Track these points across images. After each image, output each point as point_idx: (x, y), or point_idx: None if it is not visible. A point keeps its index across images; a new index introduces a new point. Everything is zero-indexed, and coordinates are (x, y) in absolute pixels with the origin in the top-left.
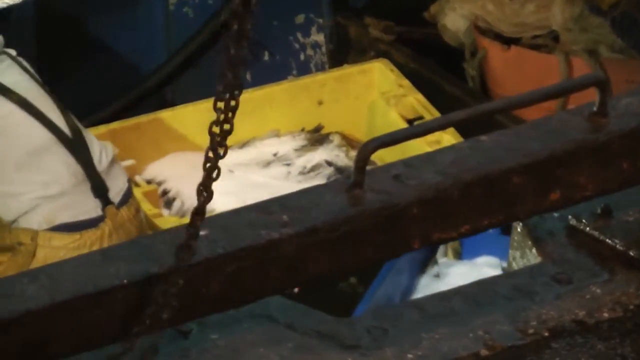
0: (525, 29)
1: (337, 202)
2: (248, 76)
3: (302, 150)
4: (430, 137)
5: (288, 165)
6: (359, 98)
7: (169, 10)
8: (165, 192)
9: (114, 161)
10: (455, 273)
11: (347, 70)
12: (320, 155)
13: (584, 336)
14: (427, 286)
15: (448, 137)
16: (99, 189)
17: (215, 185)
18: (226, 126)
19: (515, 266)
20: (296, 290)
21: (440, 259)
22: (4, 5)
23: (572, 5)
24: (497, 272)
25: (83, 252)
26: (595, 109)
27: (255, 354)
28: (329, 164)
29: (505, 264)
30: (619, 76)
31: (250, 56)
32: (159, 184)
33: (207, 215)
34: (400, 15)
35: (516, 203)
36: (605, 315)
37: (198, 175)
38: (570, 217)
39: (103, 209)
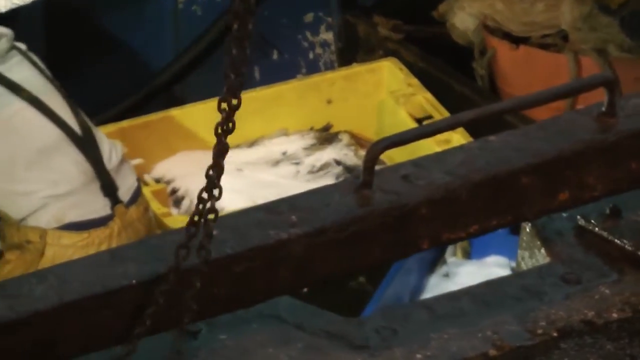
0: (534, 28)
1: (345, 202)
2: (257, 74)
3: (310, 149)
4: (440, 137)
5: (297, 164)
6: (367, 97)
7: (177, 9)
8: (174, 191)
9: (123, 160)
10: (464, 273)
11: (356, 69)
12: (329, 154)
13: (593, 336)
14: (436, 286)
15: (457, 137)
16: (108, 188)
17: (223, 184)
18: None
19: (524, 266)
20: (305, 290)
21: (449, 258)
22: (13, 6)
23: (581, 4)
24: (506, 272)
25: (92, 250)
26: (603, 109)
27: (264, 354)
28: (338, 163)
29: (514, 264)
30: (628, 75)
31: (260, 54)
32: (168, 182)
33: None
34: (409, 14)
35: (525, 203)
36: (614, 315)
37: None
38: (578, 217)
39: (112, 208)
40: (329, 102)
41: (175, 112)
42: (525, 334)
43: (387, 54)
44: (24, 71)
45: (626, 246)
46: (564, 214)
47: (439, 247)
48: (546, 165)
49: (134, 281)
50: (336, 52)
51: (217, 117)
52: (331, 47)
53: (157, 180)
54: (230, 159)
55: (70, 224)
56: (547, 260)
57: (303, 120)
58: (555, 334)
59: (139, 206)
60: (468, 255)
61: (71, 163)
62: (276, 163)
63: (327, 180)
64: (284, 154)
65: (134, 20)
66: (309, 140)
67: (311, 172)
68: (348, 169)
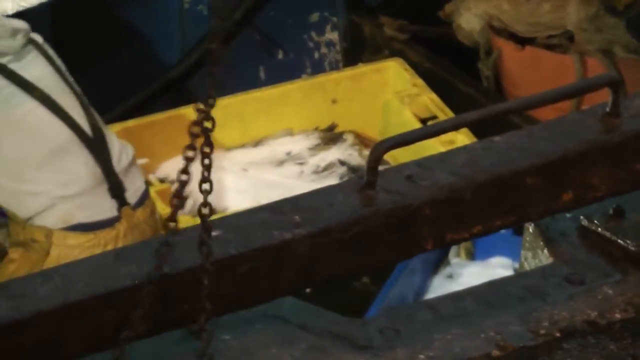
0: (540, 28)
1: (349, 202)
2: (262, 74)
3: (315, 149)
4: (444, 137)
5: (301, 164)
6: (373, 97)
7: (183, 8)
8: None
9: (133, 162)
10: (467, 273)
11: (361, 69)
12: (333, 154)
13: (596, 337)
14: (440, 286)
15: (462, 137)
16: (116, 190)
17: (228, 184)
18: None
19: (527, 267)
20: (308, 290)
21: (453, 259)
22: (20, 9)
23: (587, 5)
24: (509, 272)
25: (97, 251)
26: (608, 109)
27: (267, 355)
28: (342, 163)
29: (517, 265)
30: (633, 76)
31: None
32: (172, 182)
33: (220, 214)
34: (414, 14)
35: (528, 204)
36: (617, 315)
37: (212, 174)
38: (582, 217)
39: (119, 210)
40: (334, 102)
41: (181, 112)
42: (528, 335)
43: (393, 54)
44: (38, 68)
45: (629, 246)
46: (568, 215)
47: (443, 247)
48: (550, 165)
49: (137, 282)
50: (341, 52)
51: (223, 117)
52: (336, 47)
53: (162, 180)
54: (235, 159)
55: (77, 225)
56: (550, 260)
57: (308, 120)
58: (558, 335)
59: (146, 208)
60: (472, 256)
61: (81, 165)
62: (281, 163)
63: (332, 180)
64: (289, 154)
65: (141, 20)
66: (313, 140)
67: (315, 172)
68: (352, 169)
